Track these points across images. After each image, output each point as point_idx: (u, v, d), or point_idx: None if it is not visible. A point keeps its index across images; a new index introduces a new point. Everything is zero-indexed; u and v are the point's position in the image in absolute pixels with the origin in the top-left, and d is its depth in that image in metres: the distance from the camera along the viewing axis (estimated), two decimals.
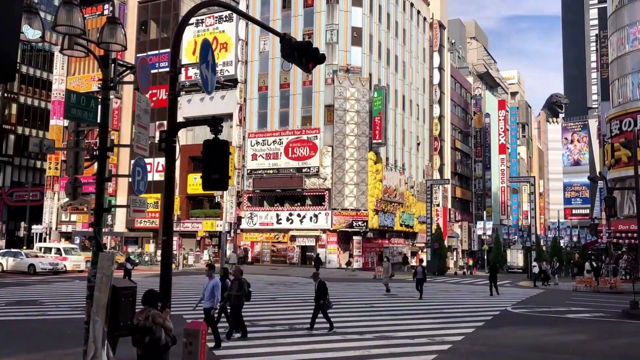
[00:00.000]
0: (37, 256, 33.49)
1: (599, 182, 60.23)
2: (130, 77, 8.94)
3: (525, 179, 65.67)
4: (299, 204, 45.05)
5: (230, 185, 9.60)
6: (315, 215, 43.24)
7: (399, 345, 11.97)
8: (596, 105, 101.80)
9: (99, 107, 8.09)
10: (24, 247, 43.45)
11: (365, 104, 44.46)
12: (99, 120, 8.09)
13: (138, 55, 45.01)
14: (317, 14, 45.88)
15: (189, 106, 48.12)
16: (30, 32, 7.29)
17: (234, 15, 46.82)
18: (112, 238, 47.14)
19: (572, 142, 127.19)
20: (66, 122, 28.62)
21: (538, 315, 18.35)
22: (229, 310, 12.56)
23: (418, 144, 56.29)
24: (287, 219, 44.23)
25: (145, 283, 23.96)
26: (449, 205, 61.35)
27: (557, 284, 35.34)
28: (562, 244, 73.75)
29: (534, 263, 37.10)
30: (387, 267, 25.73)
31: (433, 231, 44.08)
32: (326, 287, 13.80)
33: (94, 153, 7.98)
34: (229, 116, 46.40)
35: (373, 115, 44.50)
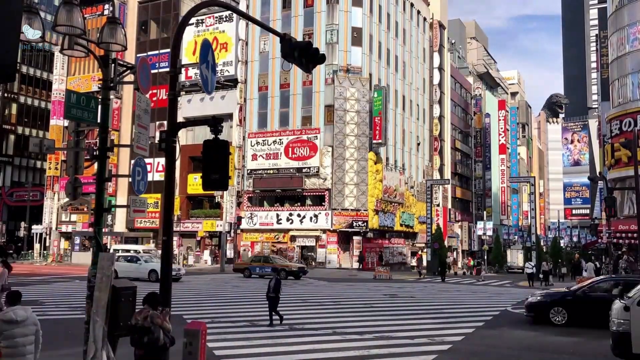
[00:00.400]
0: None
1: (599, 182, 60.23)
2: (130, 77, 8.94)
3: (525, 179, 65.68)
4: (299, 204, 45.06)
5: (230, 185, 9.60)
6: (315, 216, 43.25)
7: (399, 345, 11.97)
8: (596, 106, 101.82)
9: (99, 107, 8.09)
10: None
11: (365, 104, 44.47)
12: (99, 120, 8.09)
13: (138, 55, 45.01)
14: (317, 14, 45.89)
15: (189, 106, 48.13)
16: (30, 32, 7.29)
17: (234, 15, 46.83)
18: (112, 238, 47.15)
19: (572, 142, 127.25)
20: (66, 122, 28.55)
21: None
22: None
23: (418, 144, 56.30)
24: (287, 219, 44.24)
25: (145, 283, 23.96)
26: (449, 206, 61.36)
27: (552, 284, 35.39)
28: (562, 244, 73.78)
29: (527, 264, 37.20)
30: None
31: (433, 231, 44.07)
32: None
33: (94, 153, 7.98)
34: (229, 116, 46.41)
35: (373, 116, 44.50)
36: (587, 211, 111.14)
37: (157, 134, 9.95)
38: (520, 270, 50.83)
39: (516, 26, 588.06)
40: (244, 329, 13.60)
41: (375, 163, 44.43)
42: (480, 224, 66.16)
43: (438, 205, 55.58)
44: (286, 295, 22.47)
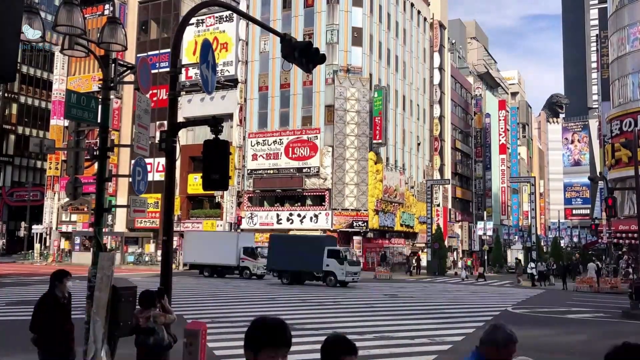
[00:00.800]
0: None
1: (600, 182, 60.21)
2: (130, 77, 8.94)
3: (525, 179, 65.68)
4: (299, 204, 45.06)
5: (230, 185, 9.60)
6: (316, 216, 43.24)
7: (399, 345, 11.96)
8: (597, 106, 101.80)
9: (99, 107, 8.08)
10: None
11: (365, 104, 44.47)
12: (99, 120, 8.08)
13: (138, 55, 45.00)
14: (317, 14, 45.89)
15: (189, 106, 48.13)
16: (30, 32, 7.28)
17: (235, 15, 46.82)
18: (112, 238, 47.14)
19: (572, 142, 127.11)
20: (66, 122, 28.48)
21: (538, 316, 18.35)
22: None
23: (418, 144, 56.29)
24: (288, 219, 44.23)
25: (145, 283, 23.97)
26: (449, 206, 61.33)
27: (553, 284, 35.46)
28: (562, 244, 73.69)
29: (530, 265, 37.48)
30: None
31: (433, 231, 44.06)
32: None
33: (94, 153, 7.97)
34: (229, 116, 46.41)
35: (373, 116, 44.50)
36: (588, 211, 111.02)
37: (157, 134, 9.96)
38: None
39: (523, 25, 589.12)
40: (244, 329, 13.51)
41: (376, 163, 44.42)
42: (480, 224, 66.04)
43: (438, 205, 55.54)
44: (286, 295, 22.49)
